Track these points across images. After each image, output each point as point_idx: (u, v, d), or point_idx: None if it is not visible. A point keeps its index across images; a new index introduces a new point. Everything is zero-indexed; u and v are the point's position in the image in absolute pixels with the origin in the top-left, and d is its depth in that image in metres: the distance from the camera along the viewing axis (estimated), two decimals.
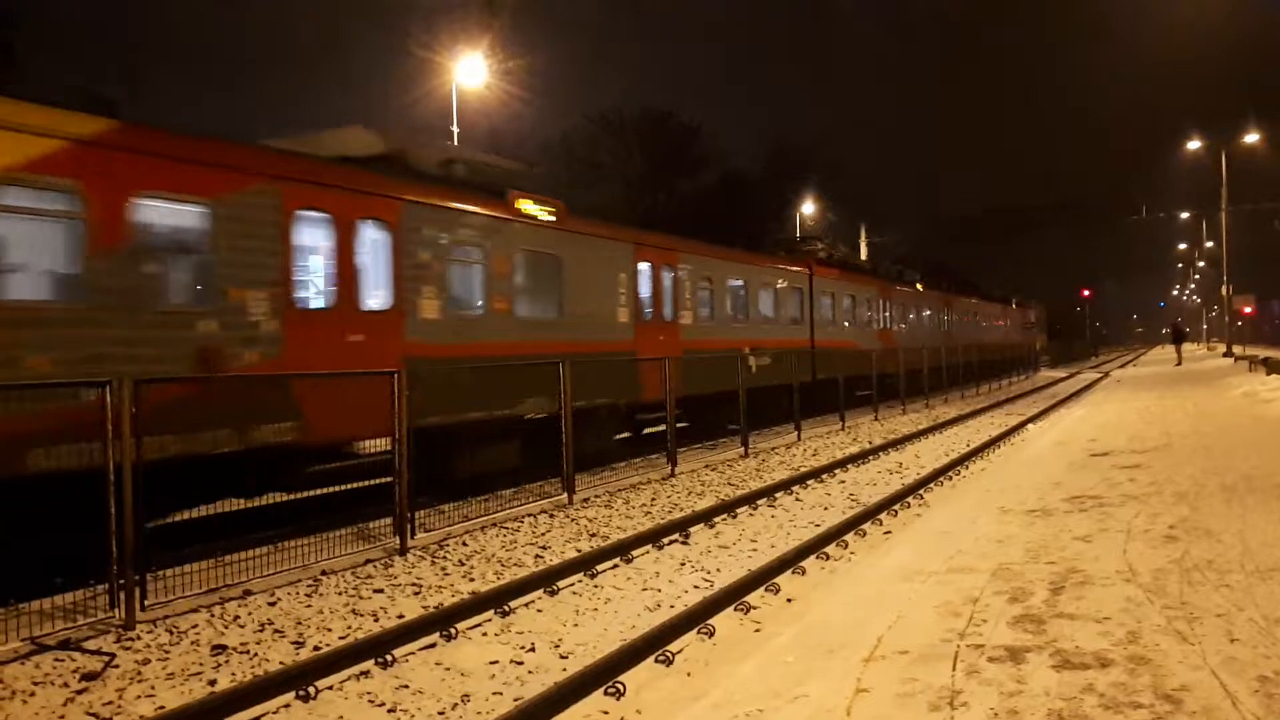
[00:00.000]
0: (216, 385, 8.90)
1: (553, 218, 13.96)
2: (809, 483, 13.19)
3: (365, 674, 5.79)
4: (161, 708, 5.30)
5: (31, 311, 7.83)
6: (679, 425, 16.56)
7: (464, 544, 9.49)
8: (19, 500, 7.28)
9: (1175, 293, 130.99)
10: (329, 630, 6.70)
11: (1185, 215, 62.68)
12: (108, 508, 6.75)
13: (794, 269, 23.55)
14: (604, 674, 5.42)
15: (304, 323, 9.98)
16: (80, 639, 6.43)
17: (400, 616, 6.96)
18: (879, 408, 24.29)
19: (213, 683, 5.69)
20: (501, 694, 5.48)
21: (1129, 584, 5.78)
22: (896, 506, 10.98)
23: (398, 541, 9.15)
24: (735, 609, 6.90)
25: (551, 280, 14.14)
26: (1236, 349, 45.56)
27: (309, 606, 7.30)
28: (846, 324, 26.47)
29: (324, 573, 8.24)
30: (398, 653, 6.07)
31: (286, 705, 5.33)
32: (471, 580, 8.09)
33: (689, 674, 5.67)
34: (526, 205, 13.43)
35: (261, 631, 6.67)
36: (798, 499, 12.02)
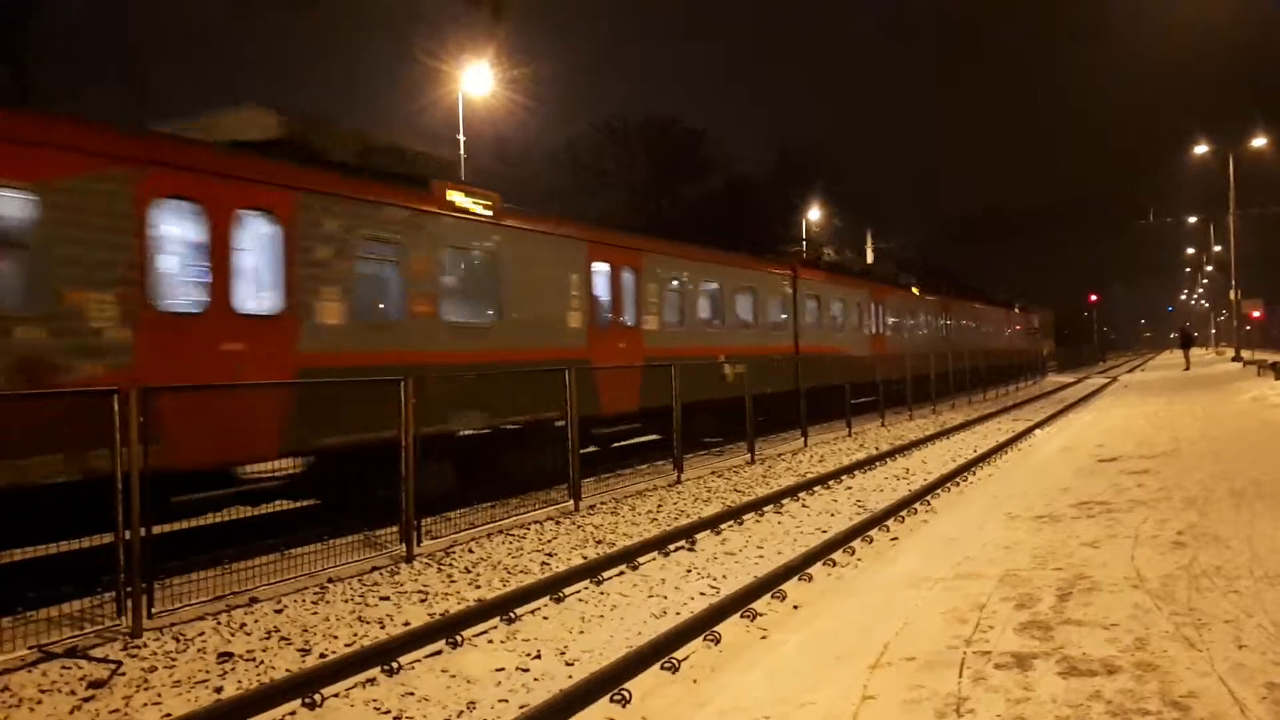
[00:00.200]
0: (36, 404, 7.45)
1: (489, 212, 12.70)
2: (816, 489, 13.16)
3: (371, 681, 5.80)
4: (168, 715, 5.32)
5: None
6: (644, 439, 15.78)
7: (470, 551, 9.50)
8: None
9: (1183, 297, 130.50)
10: (335, 638, 6.71)
11: (1193, 219, 62.56)
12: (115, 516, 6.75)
13: (776, 271, 22.28)
14: (610, 681, 5.41)
15: (163, 329, 8.65)
16: (87, 647, 6.45)
17: (406, 624, 6.97)
18: (885, 414, 24.26)
19: (219, 690, 5.70)
20: (507, 701, 5.48)
21: (1137, 590, 5.75)
22: (904, 513, 10.95)
23: (404, 549, 9.15)
24: (742, 616, 6.89)
25: (488, 282, 12.89)
26: (1245, 353, 45.38)
27: (315, 614, 7.30)
28: (835, 329, 25.34)
29: (330, 580, 8.25)
30: (404, 660, 6.07)
31: (292, 713, 5.34)
32: (477, 587, 8.09)
33: (695, 681, 5.66)
34: (456, 197, 12.19)
35: (268, 639, 6.68)
36: (804, 505, 12.00)
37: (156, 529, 7.26)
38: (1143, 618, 5.17)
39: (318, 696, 5.46)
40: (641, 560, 8.85)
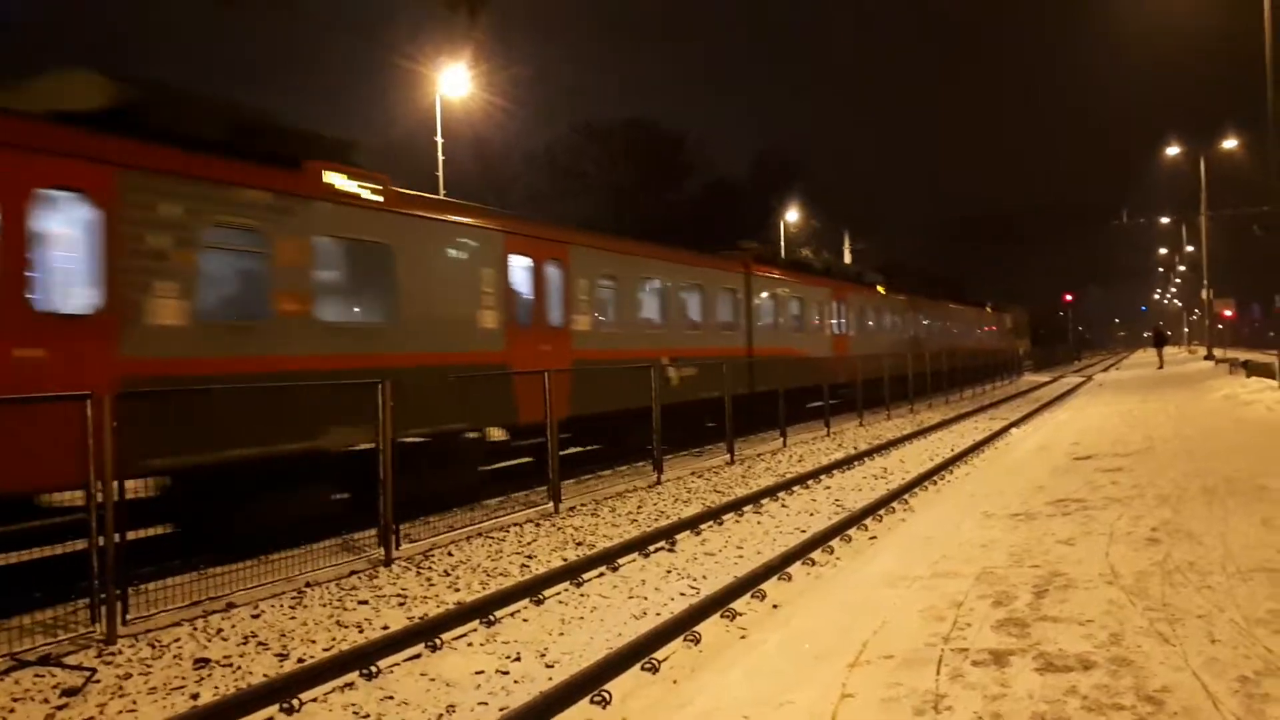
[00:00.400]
0: None
1: (378, 197, 11.13)
2: (795, 489, 13.21)
3: (350, 686, 5.76)
4: None
5: None
6: (572, 451, 14.61)
7: (449, 554, 9.46)
8: None
9: (1156, 297, 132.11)
10: (313, 642, 6.66)
11: (1165, 220, 63.40)
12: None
13: (727, 268, 20.87)
14: (590, 683, 5.41)
15: None
16: (61, 654, 6.37)
17: (385, 628, 6.93)
18: (863, 413, 24.39)
19: (195, 697, 5.65)
20: (487, 704, 5.47)
21: (1111, 586, 5.81)
22: (881, 512, 11.02)
23: (382, 553, 9.10)
24: (721, 616, 6.91)
25: (380, 276, 11.37)
26: (1217, 352, 45.94)
27: (293, 619, 7.25)
28: (793, 329, 24.21)
29: (308, 585, 8.19)
30: (382, 664, 6.04)
31: (270, 718, 5.30)
32: (457, 590, 8.06)
33: (675, 681, 5.67)
34: (335, 179, 10.57)
35: (245, 644, 6.63)
36: (784, 505, 12.04)
37: (131, 535, 7.17)
38: (1117, 614, 5.22)
39: (296, 701, 5.42)
40: (622, 561, 8.85)
